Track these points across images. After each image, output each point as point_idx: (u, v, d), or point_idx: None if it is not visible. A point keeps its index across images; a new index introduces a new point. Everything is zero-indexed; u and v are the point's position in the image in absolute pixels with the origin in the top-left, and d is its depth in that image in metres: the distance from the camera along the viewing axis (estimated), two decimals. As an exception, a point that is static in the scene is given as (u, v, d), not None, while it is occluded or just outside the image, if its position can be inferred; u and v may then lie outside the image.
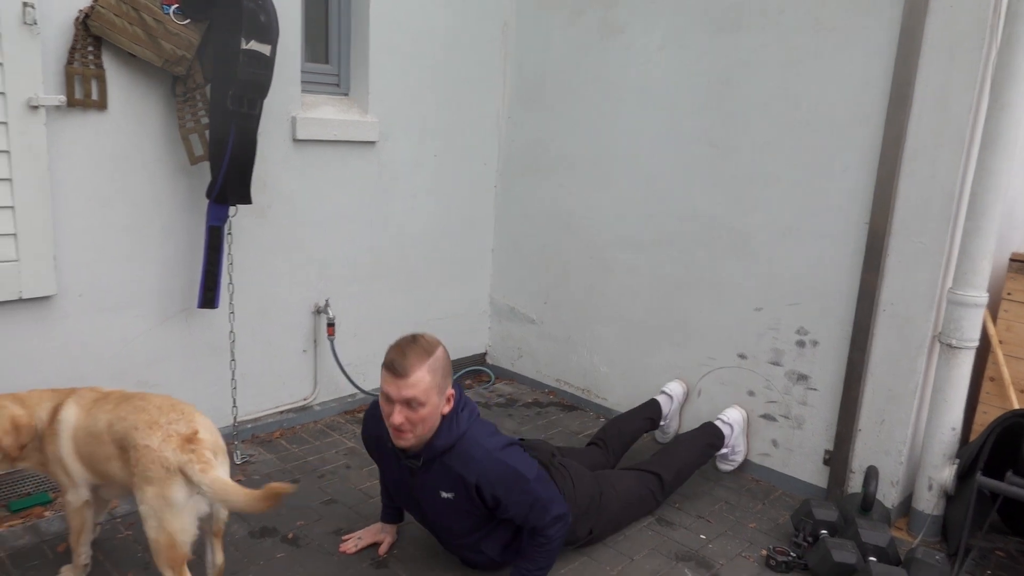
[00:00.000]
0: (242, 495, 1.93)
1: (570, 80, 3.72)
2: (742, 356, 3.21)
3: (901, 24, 2.65)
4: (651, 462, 2.87)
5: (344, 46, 3.47)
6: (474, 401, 2.30)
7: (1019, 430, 2.60)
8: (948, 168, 2.60)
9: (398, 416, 2.06)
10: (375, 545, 2.52)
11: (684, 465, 2.91)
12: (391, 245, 3.68)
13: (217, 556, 2.17)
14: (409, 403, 2.06)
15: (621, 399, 3.66)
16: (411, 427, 2.10)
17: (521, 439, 2.84)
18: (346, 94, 3.52)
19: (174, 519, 1.95)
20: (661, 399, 3.30)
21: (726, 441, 3.11)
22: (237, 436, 3.14)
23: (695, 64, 3.24)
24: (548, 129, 3.84)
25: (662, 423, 3.29)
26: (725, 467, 3.22)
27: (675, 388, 3.35)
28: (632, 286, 3.57)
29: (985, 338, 2.97)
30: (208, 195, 2.81)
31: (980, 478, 2.48)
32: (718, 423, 3.13)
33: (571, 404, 3.89)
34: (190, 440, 1.95)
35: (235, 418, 3.12)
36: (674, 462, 2.88)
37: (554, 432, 3.54)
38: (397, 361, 2.06)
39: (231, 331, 3.07)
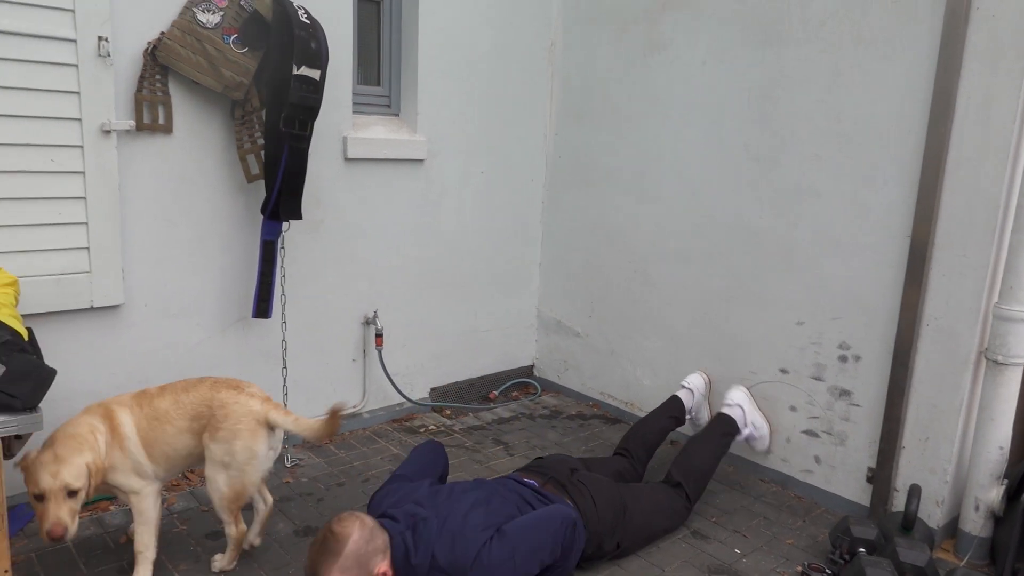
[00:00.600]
0: (317, 423, 2.37)
1: (616, 96, 3.78)
2: (784, 371, 3.18)
3: (942, 34, 2.61)
4: (671, 472, 2.88)
5: (395, 69, 3.63)
6: (423, 514, 2.19)
7: (1071, 450, 2.50)
8: (992, 179, 2.54)
9: None
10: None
11: (703, 464, 2.91)
12: (439, 259, 3.80)
13: (267, 496, 2.56)
14: None
15: (664, 412, 3.66)
16: None
17: (539, 457, 2.89)
18: (396, 114, 3.67)
19: (254, 470, 2.34)
20: (682, 394, 3.30)
21: (740, 423, 3.08)
22: (288, 440, 3.29)
23: (738, 78, 3.25)
24: (594, 144, 3.91)
25: (688, 417, 3.27)
26: (760, 447, 3.21)
27: (695, 380, 3.35)
28: (675, 299, 3.58)
29: (1041, 355, 2.86)
30: (263, 211, 2.98)
31: (1026, 499, 2.40)
32: (725, 410, 3.13)
33: (614, 417, 3.91)
34: (267, 399, 2.40)
35: (286, 423, 3.28)
36: (693, 465, 2.89)
37: (595, 444, 3.57)
38: (308, 570, 2.05)
39: (283, 340, 3.23)
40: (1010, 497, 2.59)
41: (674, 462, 2.93)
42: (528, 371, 4.36)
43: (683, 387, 3.35)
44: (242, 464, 2.31)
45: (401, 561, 2.09)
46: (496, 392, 4.15)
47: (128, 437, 2.28)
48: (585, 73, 3.92)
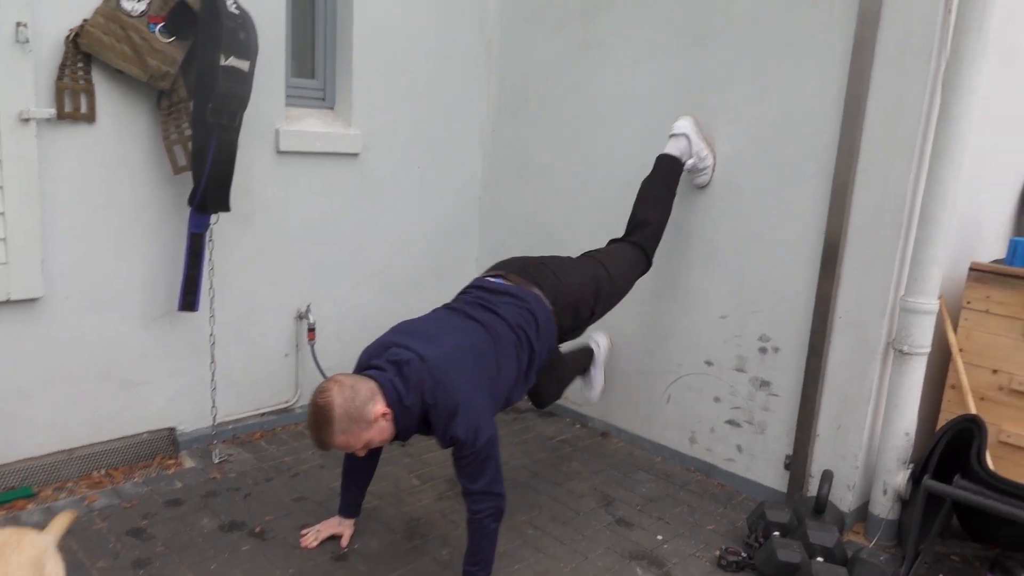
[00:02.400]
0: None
1: (552, 92, 3.83)
2: (708, 363, 3.27)
3: (855, 37, 2.72)
4: (630, 234, 3.06)
5: (329, 62, 3.61)
6: (405, 356, 2.22)
7: (968, 435, 2.64)
8: (899, 177, 2.67)
9: (358, 456, 2.28)
10: (336, 538, 2.61)
11: (658, 220, 3.06)
12: (375, 253, 3.80)
13: None
14: (355, 451, 2.21)
15: (596, 405, 3.73)
16: (377, 446, 2.28)
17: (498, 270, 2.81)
18: (331, 108, 3.65)
19: None
20: (592, 345, 3.38)
21: (683, 155, 3.10)
22: (217, 436, 3.26)
23: (668, 76, 3.33)
24: (531, 140, 3.95)
25: (592, 372, 3.35)
26: (701, 180, 3.22)
27: (602, 340, 3.42)
28: (607, 294, 3.65)
29: (947, 346, 3.01)
30: (190, 203, 2.95)
31: (927, 481, 2.52)
32: (668, 146, 3.13)
33: (548, 410, 3.97)
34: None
35: (214, 418, 3.24)
36: (648, 229, 3.03)
37: (528, 437, 3.62)
38: (316, 443, 2.17)
39: (211, 334, 3.19)
40: (915, 481, 2.72)
41: (630, 226, 3.06)
42: (465, 366, 4.38)
43: (593, 341, 3.43)
44: None
45: (397, 404, 2.17)
46: (433, 386, 4.16)
47: None
48: (522, 70, 3.96)
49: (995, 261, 3.07)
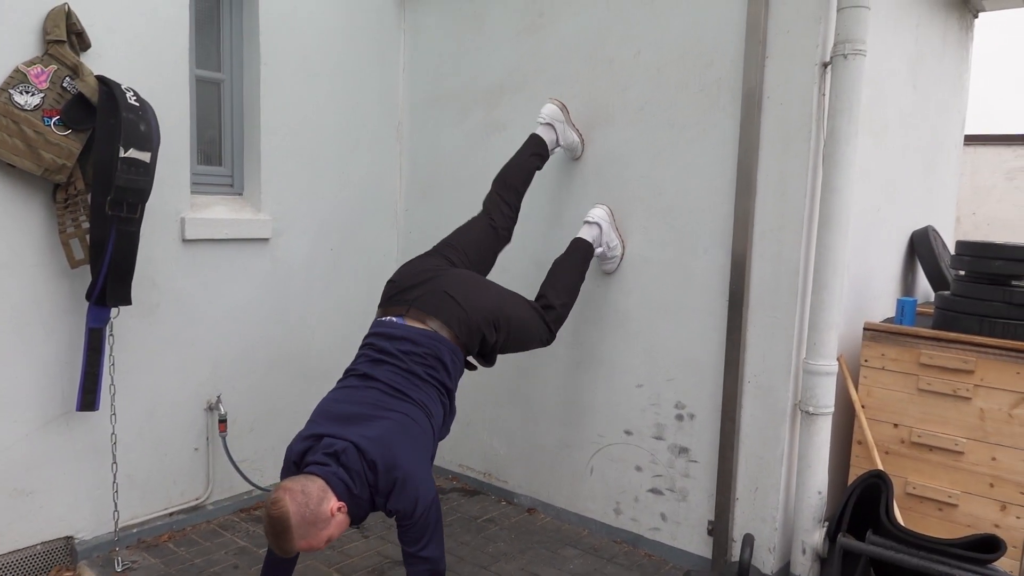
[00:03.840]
0: None
1: (460, 173, 3.91)
2: (628, 432, 3.31)
3: (741, 120, 2.91)
4: (540, 299, 3.05)
5: (237, 149, 3.59)
6: (339, 446, 2.23)
7: (876, 490, 2.74)
8: (791, 247, 2.82)
9: (321, 548, 2.21)
10: (251, 647, 2.48)
11: (564, 296, 3.08)
12: (288, 339, 3.72)
13: None
14: (318, 549, 2.19)
15: (521, 481, 3.70)
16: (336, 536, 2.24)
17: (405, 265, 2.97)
18: (240, 194, 3.62)
19: None
20: (541, 131, 3.23)
21: (596, 242, 3.17)
22: (119, 542, 3.06)
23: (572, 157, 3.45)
24: (442, 219, 3.98)
25: (556, 142, 3.27)
26: (609, 268, 3.31)
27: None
28: (526, 367, 3.67)
29: (851, 403, 3.15)
30: (88, 297, 2.83)
31: (841, 539, 2.59)
32: (582, 231, 3.20)
33: (473, 489, 3.90)
34: None
35: (116, 523, 3.05)
36: (553, 300, 3.04)
37: (452, 519, 3.54)
38: (277, 552, 2.15)
39: (113, 433, 3.03)
40: (831, 539, 2.79)
41: (537, 296, 3.06)
42: (387, 448, 4.28)
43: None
44: None
45: (347, 495, 2.19)
46: (354, 472, 4.04)
47: None
48: (432, 152, 4.04)
49: (886, 320, 3.26)
